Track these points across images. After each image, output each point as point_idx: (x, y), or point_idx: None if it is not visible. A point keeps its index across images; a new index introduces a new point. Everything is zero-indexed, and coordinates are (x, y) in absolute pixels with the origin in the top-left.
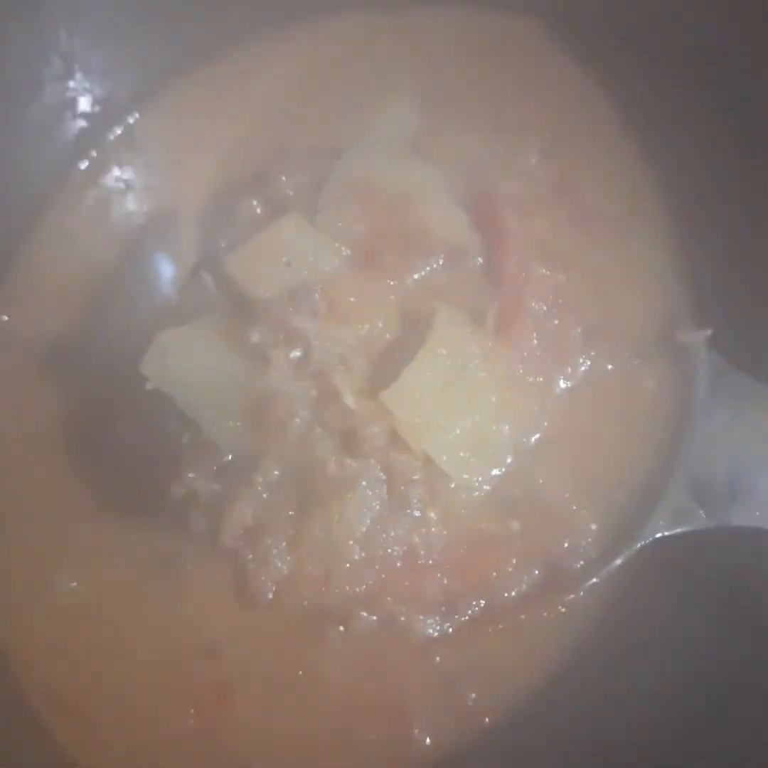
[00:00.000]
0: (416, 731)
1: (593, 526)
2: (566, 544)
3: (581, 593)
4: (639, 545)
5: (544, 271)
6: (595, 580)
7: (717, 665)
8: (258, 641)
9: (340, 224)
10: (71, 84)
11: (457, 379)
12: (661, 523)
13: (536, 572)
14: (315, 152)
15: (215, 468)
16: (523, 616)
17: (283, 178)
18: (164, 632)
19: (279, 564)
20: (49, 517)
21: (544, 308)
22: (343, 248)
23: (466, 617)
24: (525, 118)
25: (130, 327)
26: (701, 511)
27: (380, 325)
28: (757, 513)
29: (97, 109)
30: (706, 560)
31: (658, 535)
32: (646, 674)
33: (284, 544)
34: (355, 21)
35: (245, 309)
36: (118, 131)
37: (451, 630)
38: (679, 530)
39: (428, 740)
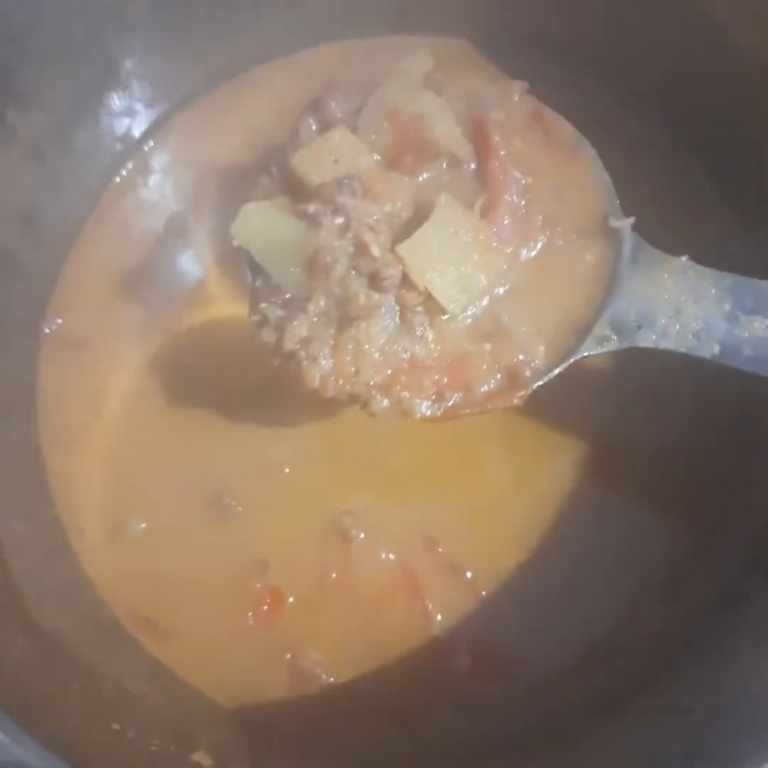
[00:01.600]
0: (430, 607)
1: (542, 348)
2: (521, 358)
3: (530, 391)
4: (572, 360)
5: (517, 174)
6: (540, 382)
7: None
8: (298, 554)
9: (373, 136)
10: (99, 128)
11: (451, 241)
12: (588, 346)
13: (499, 376)
14: (359, 86)
15: (280, 302)
16: (489, 405)
17: (333, 105)
18: (220, 556)
19: (323, 362)
20: (119, 471)
21: (516, 200)
22: (375, 154)
23: (451, 403)
24: (511, 72)
25: (169, 291)
26: (615, 338)
27: (399, 206)
28: (654, 337)
29: (118, 146)
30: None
31: (586, 353)
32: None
33: (327, 350)
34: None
35: (303, 192)
36: (136, 160)
37: (439, 412)
38: (600, 350)
39: (439, 617)
